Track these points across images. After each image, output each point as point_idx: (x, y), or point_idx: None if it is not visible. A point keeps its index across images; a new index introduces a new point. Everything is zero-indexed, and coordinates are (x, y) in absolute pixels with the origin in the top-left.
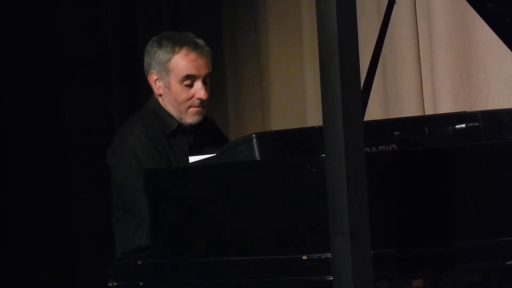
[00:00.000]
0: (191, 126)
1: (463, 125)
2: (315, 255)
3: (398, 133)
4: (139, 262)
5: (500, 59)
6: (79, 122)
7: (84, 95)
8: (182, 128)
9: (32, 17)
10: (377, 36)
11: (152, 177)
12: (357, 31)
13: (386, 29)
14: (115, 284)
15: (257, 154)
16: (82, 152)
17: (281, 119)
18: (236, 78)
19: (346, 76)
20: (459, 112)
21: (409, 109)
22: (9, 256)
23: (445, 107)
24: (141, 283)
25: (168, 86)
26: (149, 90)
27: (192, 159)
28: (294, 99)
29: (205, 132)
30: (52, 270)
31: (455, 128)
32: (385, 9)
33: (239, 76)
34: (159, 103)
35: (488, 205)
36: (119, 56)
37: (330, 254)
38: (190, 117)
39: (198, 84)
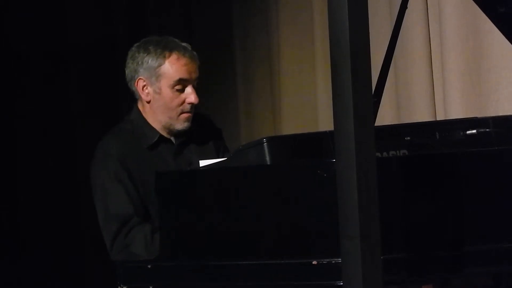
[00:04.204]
0: (180, 133)
1: (474, 131)
2: (325, 260)
3: (409, 138)
4: (149, 266)
5: (511, 63)
6: (87, 122)
7: (92, 95)
8: (164, 138)
9: (36, 15)
10: (389, 40)
11: (163, 179)
12: (369, 35)
13: (398, 34)
14: (125, 287)
15: (267, 158)
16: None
17: (292, 122)
18: (247, 81)
19: (357, 80)
20: (470, 117)
21: (420, 113)
22: (17, 258)
23: (456, 110)
24: (151, 287)
25: (158, 92)
26: (131, 100)
27: (203, 162)
28: (306, 102)
29: (197, 131)
30: (61, 272)
31: (466, 133)
32: (397, 13)
33: (250, 79)
34: (140, 115)
35: (499, 210)
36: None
37: (340, 259)
38: (181, 123)
39: (189, 89)
